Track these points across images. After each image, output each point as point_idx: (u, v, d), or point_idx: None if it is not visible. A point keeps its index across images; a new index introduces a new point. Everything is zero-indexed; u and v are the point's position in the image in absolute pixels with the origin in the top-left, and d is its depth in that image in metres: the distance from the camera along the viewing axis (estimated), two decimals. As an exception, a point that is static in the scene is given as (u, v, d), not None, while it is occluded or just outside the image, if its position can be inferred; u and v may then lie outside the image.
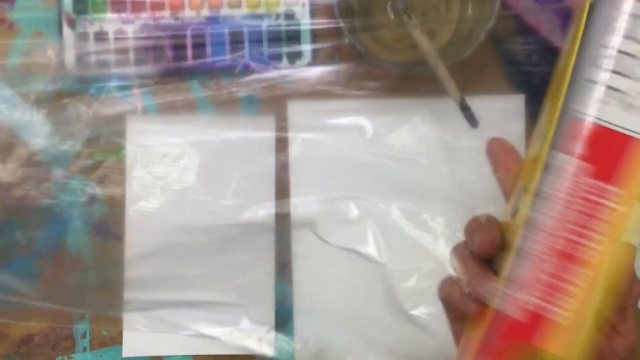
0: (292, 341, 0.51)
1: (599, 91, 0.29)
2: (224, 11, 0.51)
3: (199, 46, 0.51)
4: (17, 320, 0.51)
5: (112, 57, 0.51)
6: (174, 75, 0.52)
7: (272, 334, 0.51)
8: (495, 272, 0.32)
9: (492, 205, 0.51)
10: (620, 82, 0.29)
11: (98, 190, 0.52)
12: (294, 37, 0.51)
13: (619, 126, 0.29)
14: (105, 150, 0.52)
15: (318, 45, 0.52)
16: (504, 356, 0.29)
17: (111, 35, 0.51)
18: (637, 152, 0.28)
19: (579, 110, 0.29)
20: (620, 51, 0.29)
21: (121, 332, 0.51)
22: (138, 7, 0.51)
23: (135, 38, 0.51)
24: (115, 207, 0.52)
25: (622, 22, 0.29)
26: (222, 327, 0.51)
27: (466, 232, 0.34)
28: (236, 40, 0.51)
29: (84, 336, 0.51)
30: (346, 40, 0.52)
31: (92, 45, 0.51)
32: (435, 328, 0.50)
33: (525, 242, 0.30)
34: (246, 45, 0.51)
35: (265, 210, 0.51)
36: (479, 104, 0.50)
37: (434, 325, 0.50)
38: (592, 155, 0.29)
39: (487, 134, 0.51)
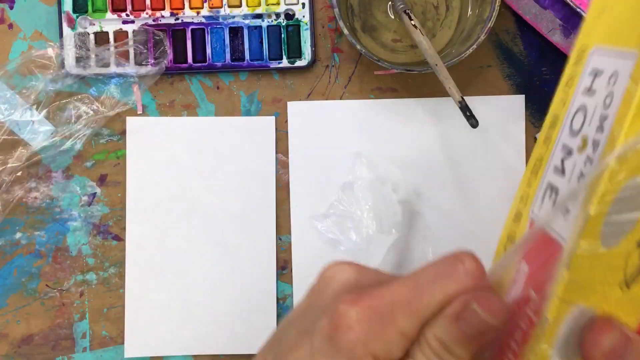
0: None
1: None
2: (224, 11, 0.51)
3: (199, 46, 0.51)
4: (17, 320, 0.51)
5: (112, 57, 0.51)
6: (174, 75, 0.52)
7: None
8: None
9: (492, 205, 0.51)
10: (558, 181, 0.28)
11: (98, 190, 0.52)
12: (294, 37, 0.51)
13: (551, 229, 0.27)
14: (105, 150, 0.52)
15: (318, 45, 0.52)
16: None
17: (111, 35, 0.51)
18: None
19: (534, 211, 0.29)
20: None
21: (121, 332, 0.51)
22: (138, 7, 0.51)
23: (135, 38, 0.51)
24: (115, 207, 0.52)
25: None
26: (222, 327, 0.51)
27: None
28: (236, 40, 0.51)
29: (84, 336, 0.51)
30: (346, 40, 0.52)
31: (92, 45, 0.51)
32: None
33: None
34: (246, 45, 0.51)
35: (265, 211, 0.51)
36: (479, 104, 0.50)
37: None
38: (530, 258, 0.28)
39: (487, 134, 0.51)
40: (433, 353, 0.27)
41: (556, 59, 0.51)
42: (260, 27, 0.51)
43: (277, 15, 0.51)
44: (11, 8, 0.52)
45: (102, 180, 0.52)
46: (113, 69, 0.51)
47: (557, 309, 0.25)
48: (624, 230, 0.25)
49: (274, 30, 0.51)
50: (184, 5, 0.51)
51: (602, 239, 0.25)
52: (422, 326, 0.27)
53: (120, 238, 0.52)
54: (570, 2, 0.48)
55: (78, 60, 0.51)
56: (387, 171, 0.51)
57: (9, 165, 0.50)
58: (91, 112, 0.51)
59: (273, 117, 0.52)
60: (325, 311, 0.29)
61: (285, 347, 0.30)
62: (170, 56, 0.51)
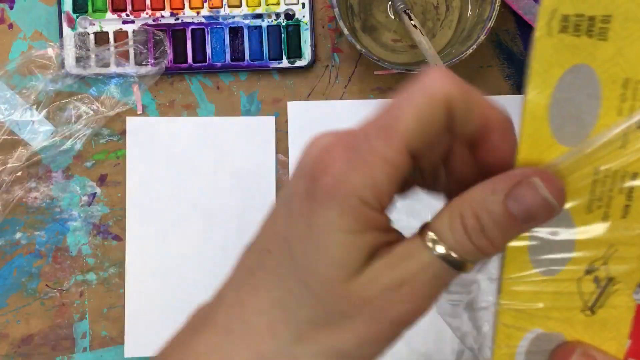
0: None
1: None
2: (224, 11, 0.51)
3: (199, 46, 0.51)
4: (17, 320, 0.51)
5: (112, 57, 0.51)
6: (174, 75, 0.52)
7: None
8: None
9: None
10: None
11: (98, 190, 0.52)
12: (294, 37, 0.51)
13: None
14: (105, 150, 0.52)
15: (318, 45, 0.52)
16: None
17: (111, 35, 0.51)
18: None
19: None
20: None
21: (121, 332, 0.51)
22: (138, 7, 0.51)
23: (135, 38, 0.51)
24: (115, 207, 0.52)
25: None
26: (222, 327, 0.51)
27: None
28: (236, 40, 0.51)
29: (84, 336, 0.51)
30: (346, 40, 0.52)
31: (92, 45, 0.51)
32: (433, 321, 0.50)
33: None
34: (246, 45, 0.51)
35: (265, 210, 0.51)
36: (479, 104, 0.50)
37: (431, 318, 0.50)
38: None
39: (487, 134, 0.51)
40: (464, 231, 0.23)
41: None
42: (260, 27, 0.51)
43: (277, 15, 0.51)
44: (11, 8, 0.52)
45: (102, 180, 0.52)
46: (113, 69, 0.51)
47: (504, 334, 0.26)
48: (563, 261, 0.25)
49: (274, 30, 0.51)
50: (184, 5, 0.51)
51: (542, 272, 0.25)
52: (407, 150, 0.23)
53: (120, 238, 0.52)
54: (570, 2, 0.48)
55: (78, 60, 0.51)
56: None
57: (9, 165, 0.50)
58: (91, 112, 0.51)
59: (273, 117, 0.52)
60: (303, 171, 0.24)
61: (263, 229, 0.26)
62: (170, 56, 0.51)
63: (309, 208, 0.23)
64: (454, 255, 0.23)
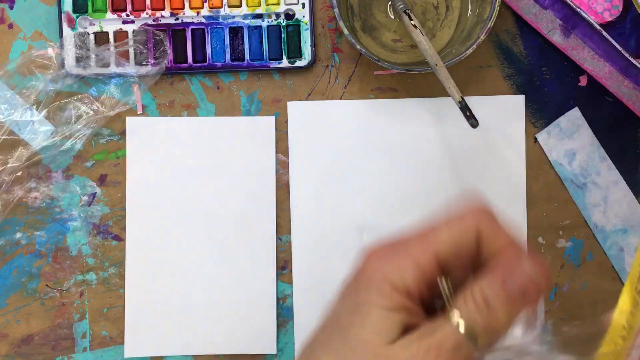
0: (292, 341, 0.51)
1: None
2: (224, 11, 0.51)
3: (199, 46, 0.51)
4: (17, 320, 0.51)
5: (112, 57, 0.51)
6: (174, 75, 0.52)
7: (273, 333, 0.51)
8: None
9: (492, 204, 0.51)
10: None
11: (98, 190, 0.52)
12: (294, 37, 0.51)
13: None
14: (105, 150, 0.52)
15: (318, 45, 0.52)
16: None
17: (111, 35, 0.51)
18: None
19: None
20: None
21: (121, 332, 0.51)
22: (138, 7, 0.51)
23: (135, 38, 0.51)
24: (115, 207, 0.52)
25: None
26: (222, 327, 0.51)
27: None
28: (236, 40, 0.51)
29: (84, 336, 0.51)
30: (346, 40, 0.52)
31: (92, 45, 0.51)
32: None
33: None
34: (246, 45, 0.51)
35: (265, 211, 0.51)
36: (479, 104, 0.50)
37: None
38: None
39: (487, 134, 0.51)
40: (475, 306, 0.29)
41: (556, 59, 0.51)
42: (260, 27, 0.51)
43: (277, 15, 0.51)
44: (11, 8, 0.52)
45: (102, 180, 0.52)
46: (113, 69, 0.51)
47: None
48: None
49: (274, 30, 0.51)
50: (184, 5, 0.51)
51: None
52: (438, 261, 0.30)
53: (120, 238, 0.52)
54: (570, 2, 0.48)
55: (78, 60, 0.51)
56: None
57: (9, 165, 0.50)
58: (91, 112, 0.51)
59: (273, 117, 0.52)
60: (352, 271, 0.32)
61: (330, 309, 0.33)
62: (170, 56, 0.51)
63: (355, 289, 0.31)
64: (469, 328, 0.29)
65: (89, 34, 0.51)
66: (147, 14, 0.51)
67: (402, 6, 0.47)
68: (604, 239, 0.51)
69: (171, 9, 0.51)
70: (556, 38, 0.50)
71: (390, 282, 0.29)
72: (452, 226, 0.30)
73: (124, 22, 0.51)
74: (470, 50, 0.46)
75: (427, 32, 0.50)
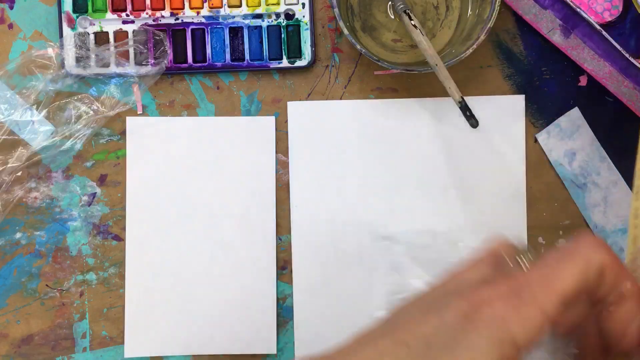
0: (292, 341, 0.51)
1: None
2: (224, 11, 0.51)
3: (199, 46, 0.51)
4: (17, 320, 0.51)
5: (112, 57, 0.51)
6: (174, 75, 0.52)
7: (273, 333, 0.51)
8: None
9: (492, 204, 0.51)
10: None
11: (98, 190, 0.52)
12: (294, 37, 0.51)
13: None
14: (105, 150, 0.52)
15: (318, 45, 0.52)
16: None
17: (111, 35, 0.51)
18: None
19: None
20: None
21: (121, 332, 0.51)
22: (138, 7, 0.51)
23: (135, 38, 0.51)
24: (115, 207, 0.52)
25: None
26: (222, 327, 0.51)
27: None
28: (236, 40, 0.51)
29: (84, 336, 0.51)
30: (346, 40, 0.52)
31: (92, 45, 0.51)
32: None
33: None
34: (246, 45, 0.51)
35: (265, 211, 0.51)
36: (479, 104, 0.50)
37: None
38: None
39: (487, 134, 0.51)
40: None
41: (556, 59, 0.51)
42: (260, 27, 0.51)
43: (277, 15, 0.51)
44: (11, 8, 0.52)
45: (102, 180, 0.52)
46: (113, 69, 0.51)
47: None
48: None
49: (274, 30, 0.51)
50: (184, 5, 0.51)
51: None
52: (564, 307, 0.27)
53: (120, 238, 0.52)
54: (570, 2, 0.48)
55: (78, 60, 0.51)
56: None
57: (9, 165, 0.50)
58: (91, 112, 0.51)
59: (273, 117, 0.52)
60: (460, 294, 0.28)
61: (404, 323, 0.29)
62: (170, 56, 0.51)
63: (463, 328, 0.27)
64: None
65: (89, 34, 0.51)
66: (147, 14, 0.51)
67: (402, 6, 0.47)
68: (604, 239, 0.51)
69: (171, 9, 0.51)
70: (556, 38, 0.50)
71: (512, 336, 0.26)
72: (575, 265, 0.27)
73: (124, 22, 0.51)
74: (470, 50, 0.46)
75: (427, 32, 0.50)
